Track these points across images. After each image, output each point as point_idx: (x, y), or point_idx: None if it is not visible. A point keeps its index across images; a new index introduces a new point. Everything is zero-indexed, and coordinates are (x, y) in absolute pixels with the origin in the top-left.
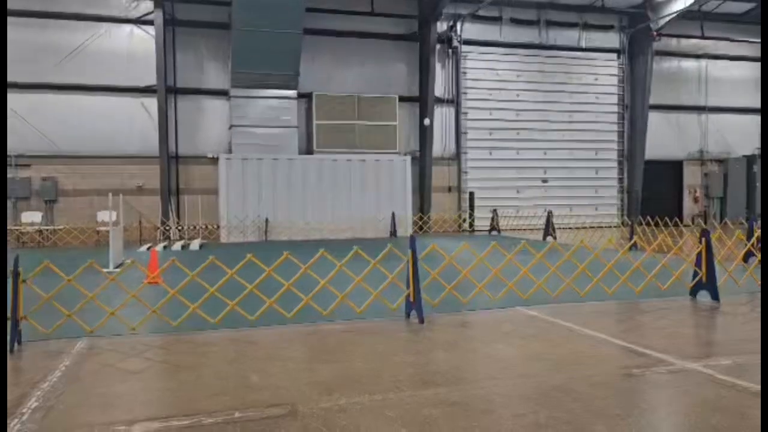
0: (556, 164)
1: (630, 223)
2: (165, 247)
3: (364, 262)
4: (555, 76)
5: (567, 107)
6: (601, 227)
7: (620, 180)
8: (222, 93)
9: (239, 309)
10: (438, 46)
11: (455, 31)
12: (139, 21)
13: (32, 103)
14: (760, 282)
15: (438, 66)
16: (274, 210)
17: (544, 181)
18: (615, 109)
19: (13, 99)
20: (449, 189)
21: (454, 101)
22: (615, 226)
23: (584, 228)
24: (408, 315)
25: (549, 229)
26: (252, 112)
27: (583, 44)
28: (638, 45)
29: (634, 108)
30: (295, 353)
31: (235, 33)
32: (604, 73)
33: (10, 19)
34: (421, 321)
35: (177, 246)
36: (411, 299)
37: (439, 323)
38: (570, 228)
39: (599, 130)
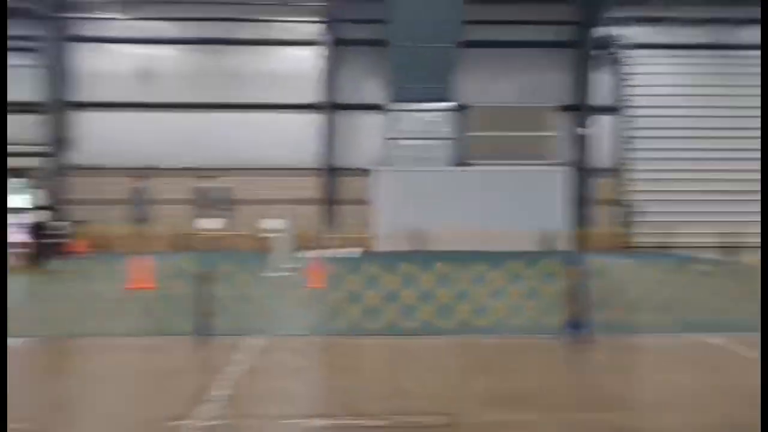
0: (742, 176)
1: None
2: (324, 255)
3: (522, 276)
4: (737, 77)
5: (752, 112)
6: None
7: None
8: (379, 107)
9: (397, 317)
10: (598, 53)
11: (617, 35)
12: (308, 43)
13: (214, 122)
14: None
15: (598, 73)
16: (428, 220)
17: (726, 193)
18: None
19: (197, 118)
20: (610, 202)
21: (617, 109)
22: None
23: None
24: (571, 333)
25: (730, 248)
26: (407, 124)
27: None
28: None
29: None
30: (453, 363)
31: (393, 49)
32: None
33: (198, 47)
34: (585, 341)
35: (335, 254)
36: (574, 317)
37: (606, 344)
38: (758, 247)
39: None
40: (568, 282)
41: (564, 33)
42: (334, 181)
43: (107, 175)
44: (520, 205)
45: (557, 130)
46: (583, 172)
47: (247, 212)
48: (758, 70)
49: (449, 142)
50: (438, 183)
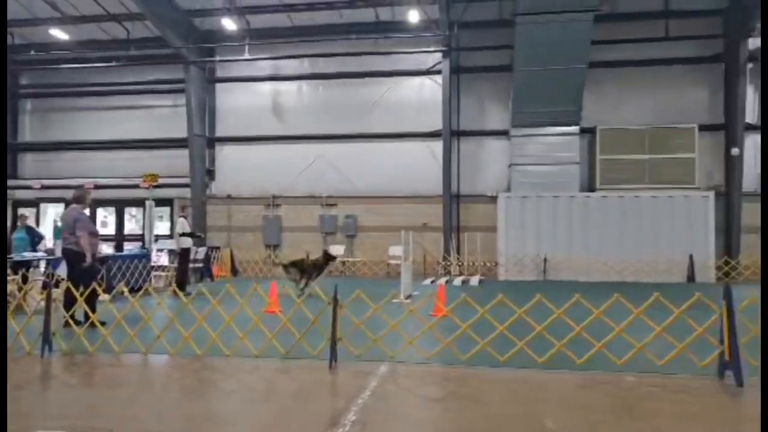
0: None
1: None
2: (446, 282)
3: (663, 310)
4: None
5: None
6: None
7: None
8: (502, 133)
9: (527, 349)
10: (750, 65)
11: None
12: (429, 72)
13: (340, 152)
14: None
15: (750, 88)
16: (553, 248)
17: None
18: None
19: (325, 149)
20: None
21: None
22: None
23: None
24: (721, 375)
25: None
26: (532, 150)
27: None
28: None
29: None
30: (590, 402)
31: (517, 74)
32: None
33: (325, 81)
34: (740, 384)
35: (458, 281)
36: (726, 357)
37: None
38: None
39: None
40: (718, 317)
41: (711, 46)
42: (458, 208)
43: (243, 204)
44: (659, 232)
45: (700, 152)
46: (732, 196)
47: (372, 239)
48: None
49: (576, 166)
50: (565, 209)
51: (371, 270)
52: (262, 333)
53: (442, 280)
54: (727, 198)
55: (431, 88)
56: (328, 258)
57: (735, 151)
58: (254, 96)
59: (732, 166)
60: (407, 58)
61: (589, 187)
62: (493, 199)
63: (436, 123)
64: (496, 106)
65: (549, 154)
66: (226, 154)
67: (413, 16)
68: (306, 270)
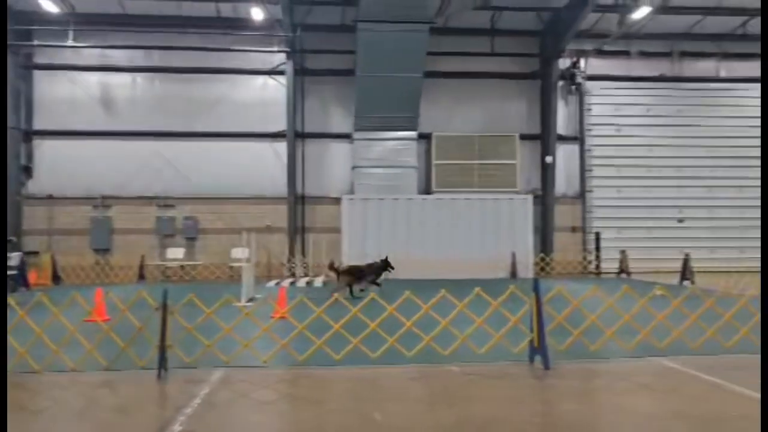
0: (693, 203)
1: None
2: (291, 284)
3: (484, 303)
4: (690, 109)
5: (705, 142)
6: (749, 272)
7: None
8: (345, 136)
9: (362, 346)
10: (560, 83)
11: (578, 67)
12: (273, 72)
13: (178, 150)
14: None
15: (560, 103)
16: (393, 248)
17: (680, 220)
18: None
19: (162, 146)
20: (573, 229)
21: (578, 138)
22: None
23: (727, 272)
24: (531, 360)
25: (686, 272)
26: (373, 153)
27: (723, 74)
28: None
29: None
30: (418, 393)
31: (359, 79)
32: (748, 105)
33: (162, 75)
34: (547, 367)
35: (302, 282)
36: (535, 344)
37: (566, 371)
38: (711, 272)
39: (744, 165)
40: (531, 308)
41: (530, 64)
42: (303, 210)
43: (66, 204)
44: (486, 233)
45: (521, 159)
46: (547, 199)
47: (214, 241)
48: (715, 101)
49: (414, 170)
50: (404, 211)
51: (213, 273)
52: (81, 344)
53: (286, 282)
54: (543, 201)
55: (275, 89)
56: (386, 265)
57: (549, 159)
58: (80, 87)
59: (546, 173)
60: (250, 56)
61: (426, 189)
62: (337, 201)
63: (281, 124)
64: (340, 110)
65: (389, 158)
66: (46, 149)
67: (256, 14)
68: (362, 275)
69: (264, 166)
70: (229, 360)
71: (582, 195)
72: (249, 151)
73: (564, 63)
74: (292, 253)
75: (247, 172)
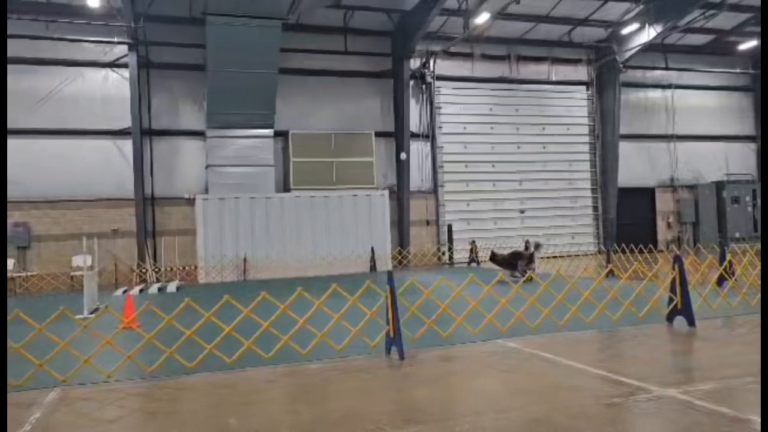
0: (532, 194)
1: (606, 250)
2: (141, 291)
3: (343, 298)
4: (527, 109)
5: (540, 139)
6: (579, 256)
7: (595, 208)
8: (198, 133)
9: (216, 352)
10: (412, 83)
11: (428, 67)
12: (114, 65)
13: (6, 148)
14: (735, 304)
15: (412, 101)
16: (252, 249)
17: (522, 211)
18: (587, 139)
19: None
20: (427, 222)
21: (429, 135)
22: (592, 254)
23: (562, 257)
24: (388, 351)
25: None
26: (228, 151)
27: (553, 77)
28: (607, 77)
29: (605, 138)
30: (275, 395)
31: (210, 74)
32: (575, 105)
33: None
34: (402, 357)
35: (154, 289)
36: (391, 335)
37: (420, 358)
38: (548, 257)
39: (573, 160)
40: (386, 301)
41: (383, 63)
42: (153, 212)
43: None
44: (346, 229)
45: (377, 156)
46: (402, 195)
47: (51, 249)
48: (548, 102)
49: (271, 168)
50: (261, 210)
51: (51, 284)
52: None
53: (136, 290)
54: (399, 196)
55: (118, 83)
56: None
57: (403, 155)
58: None
59: (401, 169)
60: (88, 47)
61: (284, 187)
62: (191, 202)
63: (126, 120)
64: (191, 106)
65: (245, 156)
66: None
67: (92, 2)
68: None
69: (108, 165)
70: (67, 378)
71: (435, 190)
72: (90, 149)
73: (414, 63)
74: (141, 258)
75: (88, 173)
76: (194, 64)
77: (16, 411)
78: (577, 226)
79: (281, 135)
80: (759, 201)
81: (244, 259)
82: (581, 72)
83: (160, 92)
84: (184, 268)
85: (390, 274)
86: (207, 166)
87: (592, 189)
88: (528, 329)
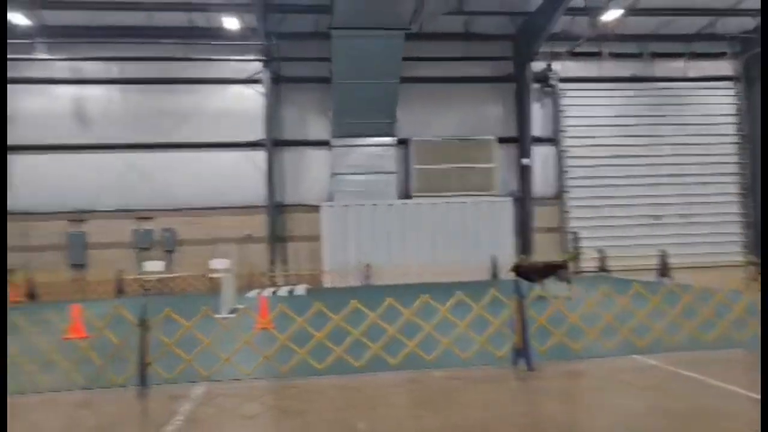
0: (667, 200)
1: (756, 261)
2: (272, 293)
3: (467, 306)
4: (662, 108)
5: (676, 140)
6: (723, 266)
7: (743, 215)
8: (323, 143)
9: (345, 355)
10: (535, 86)
11: (552, 69)
12: (249, 81)
13: (154, 162)
14: None
15: (535, 105)
16: (375, 255)
17: (658, 218)
18: (732, 139)
19: (137, 158)
20: (552, 229)
21: (554, 140)
22: (739, 265)
23: (703, 268)
24: (515, 362)
25: (664, 269)
26: (352, 160)
27: (692, 74)
28: (756, 71)
29: (754, 137)
30: (401, 400)
31: (336, 86)
32: (717, 102)
33: (136, 87)
34: (530, 369)
35: (283, 291)
36: (518, 346)
37: (549, 371)
38: (687, 268)
39: (715, 162)
40: (513, 311)
41: (504, 67)
42: (282, 218)
43: (41, 220)
44: (467, 236)
45: (498, 162)
46: (525, 201)
47: (192, 253)
48: (686, 100)
49: (393, 176)
50: (384, 217)
51: (193, 285)
52: (58, 364)
53: (267, 292)
54: (522, 203)
55: (252, 98)
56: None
57: (526, 161)
58: (52, 100)
59: (524, 175)
60: (226, 66)
61: (406, 194)
62: (317, 209)
63: (258, 132)
64: (317, 117)
65: (368, 164)
66: (19, 164)
67: (230, 24)
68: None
69: (242, 175)
70: (211, 374)
71: (559, 196)
72: (226, 160)
73: (538, 66)
74: (272, 262)
75: (225, 182)
76: (321, 77)
77: (171, 402)
78: (721, 235)
79: (403, 143)
80: None
81: (367, 265)
82: (725, 66)
83: (290, 105)
84: (311, 272)
85: (517, 283)
86: (332, 174)
87: (741, 194)
88: (669, 345)
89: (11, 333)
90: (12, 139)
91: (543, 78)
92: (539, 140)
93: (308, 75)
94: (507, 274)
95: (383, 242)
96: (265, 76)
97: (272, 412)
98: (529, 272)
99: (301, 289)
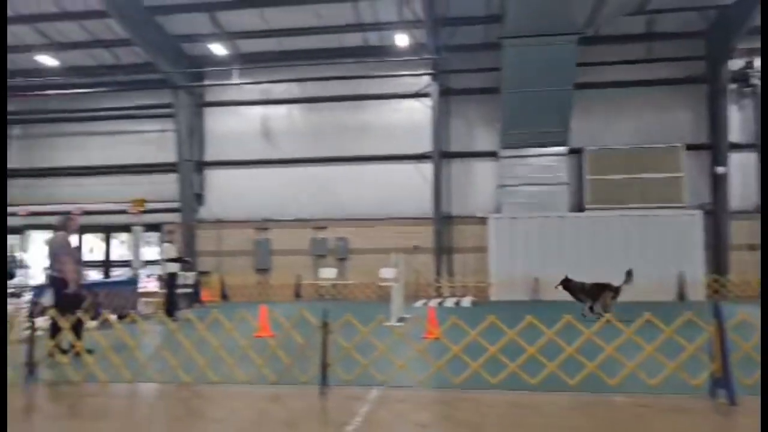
0: None
1: None
2: (438, 304)
3: (651, 328)
4: None
5: None
6: None
7: None
8: (491, 154)
9: (519, 371)
10: (732, 86)
11: (753, 67)
12: (418, 95)
13: (331, 174)
14: None
15: (732, 108)
16: (543, 268)
17: None
18: None
19: (316, 171)
20: (752, 247)
21: (755, 146)
22: None
23: None
24: (713, 393)
25: None
26: (521, 170)
27: None
28: None
29: None
30: (583, 424)
31: (505, 96)
32: None
33: (314, 105)
34: (732, 402)
35: (450, 302)
36: (717, 375)
37: (756, 407)
38: None
39: None
40: (709, 336)
41: (694, 68)
42: (448, 230)
43: (232, 228)
44: (647, 252)
45: (686, 171)
46: (719, 214)
47: (363, 262)
48: None
49: (565, 187)
50: (554, 229)
51: (363, 293)
52: (251, 359)
53: (434, 303)
54: (715, 216)
55: (420, 111)
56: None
57: (721, 169)
58: (243, 120)
59: (718, 185)
60: (396, 81)
61: (578, 206)
62: (483, 220)
63: (426, 145)
64: (485, 128)
65: (538, 175)
66: (215, 178)
67: (401, 40)
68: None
69: (410, 187)
70: (386, 379)
71: (760, 208)
72: (396, 172)
73: (735, 64)
74: (438, 273)
75: (394, 194)
76: (488, 88)
77: (349, 403)
78: None
79: (575, 152)
80: None
81: (536, 279)
82: None
83: (457, 116)
84: (476, 284)
85: (717, 305)
86: (499, 186)
87: None
88: None
89: (213, 329)
90: (210, 155)
91: (741, 77)
92: (737, 146)
93: (476, 86)
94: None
95: (553, 256)
96: (433, 89)
97: (446, 422)
98: (575, 291)
99: (466, 301)
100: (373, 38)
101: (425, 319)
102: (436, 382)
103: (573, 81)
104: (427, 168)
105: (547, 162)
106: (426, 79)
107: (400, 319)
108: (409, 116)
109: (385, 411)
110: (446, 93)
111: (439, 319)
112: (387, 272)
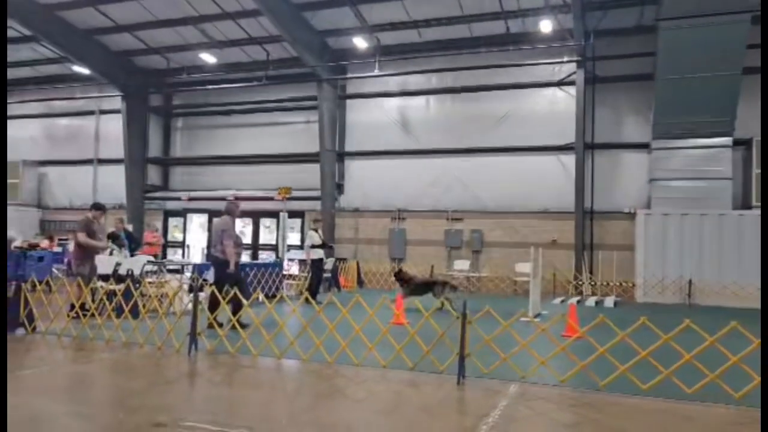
0: None
1: None
2: (578, 302)
3: None
4: None
5: None
6: None
7: None
8: (641, 146)
9: (674, 378)
10: None
11: None
12: (561, 83)
13: (466, 166)
14: None
15: None
16: (699, 271)
17: None
18: None
19: (451, 162)
20: None
21: None
22: None
23: None
24: None
25: None
26: (675, 163)
27: None
28: None
29: None
30: None
31: (660, 83)
32: None
33: (451, 95)
34: None
35: (590, 301)
36: None
37: None
38: None
39: None
40: None
41: None
42: (592, 225)
43: (369, 217)
44: None
45: None
46: None
47: (498, 255)
48: None
49: (728, 182)
50: (712, 228)
51: (497, 286)
52: (390, 344)
53: (573, 300)
54: None
55: (563, 100)
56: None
57: None
58: (382, 111)
59: None
60: (538, 69)
61: (744, 204)
62: (631, 216)
63: (568, 136)
64: (634, 117)
65: (695, 168)
66: (354, 168)
67: (545, 27)
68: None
69: (550, 179)
70: (526, 375)
71: None
72: (534, 164)
73: None
74: (578, 270)
75: (532, 186)
76: (639, 74)
77: (488, 395)
78: None
79: (742, 143)
80: None
81: (689, 282)
82: None
83: (603, 105)
84: (620, 284)
85: None
86: (650, 180)
87: None
88: None
89: (354, 313)
90: (350, 146)
91: None
92: None
93: (625, 73)
94: None
95: (711, 257)
96: (578, 77)
97: (591, 424)
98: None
99: (609, 301)
100: (515, 25)
101: (565, 316)
102: (578, 382)
103: (741, 65)
104: (569, 160)
105: (707, 154)
106: (570, 66)
107: (537, 315)
108: (551, 106)
109: (524, 407)
110: (592, 80)
111: (579, 318)
112: (523, 266)
